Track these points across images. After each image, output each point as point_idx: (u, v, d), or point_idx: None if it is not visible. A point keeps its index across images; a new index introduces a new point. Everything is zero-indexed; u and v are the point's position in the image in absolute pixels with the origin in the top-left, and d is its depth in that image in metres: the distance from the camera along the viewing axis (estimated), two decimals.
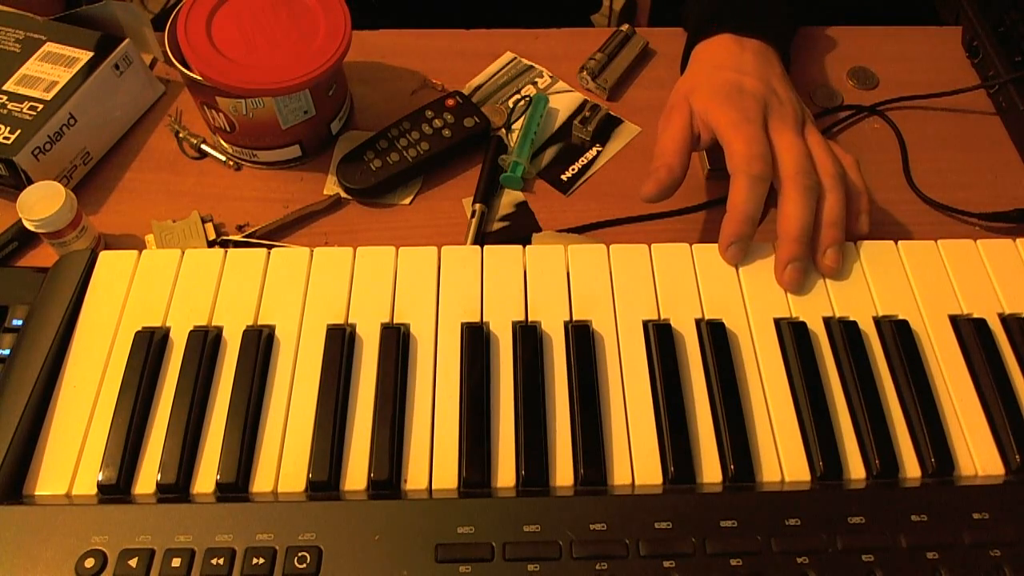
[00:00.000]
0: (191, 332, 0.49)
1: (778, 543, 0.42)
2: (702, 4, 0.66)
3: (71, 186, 0.63)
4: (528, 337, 0.49)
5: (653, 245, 0.54)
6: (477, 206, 0.63)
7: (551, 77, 0.73)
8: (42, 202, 0.56)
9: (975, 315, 0.52)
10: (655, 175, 0.55)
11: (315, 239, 0.62)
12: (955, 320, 0.52)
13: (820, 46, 0.75)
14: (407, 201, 0.65)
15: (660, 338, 0.49)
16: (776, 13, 0.65)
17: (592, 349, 0.49)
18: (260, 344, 0.49)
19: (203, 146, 0.67)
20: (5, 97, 0.62)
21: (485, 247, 0.54)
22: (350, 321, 0.51)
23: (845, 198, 0.54)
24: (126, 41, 0.66)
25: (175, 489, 0.44)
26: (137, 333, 0.49)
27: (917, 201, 0.65)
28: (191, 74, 0.59)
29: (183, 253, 0.53)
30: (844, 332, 0.50)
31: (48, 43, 0.65)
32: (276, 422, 0.47)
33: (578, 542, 0.41)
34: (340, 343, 0.49)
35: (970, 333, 0.50)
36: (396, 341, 0.49)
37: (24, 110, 0.61)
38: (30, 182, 0.59)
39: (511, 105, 0.70)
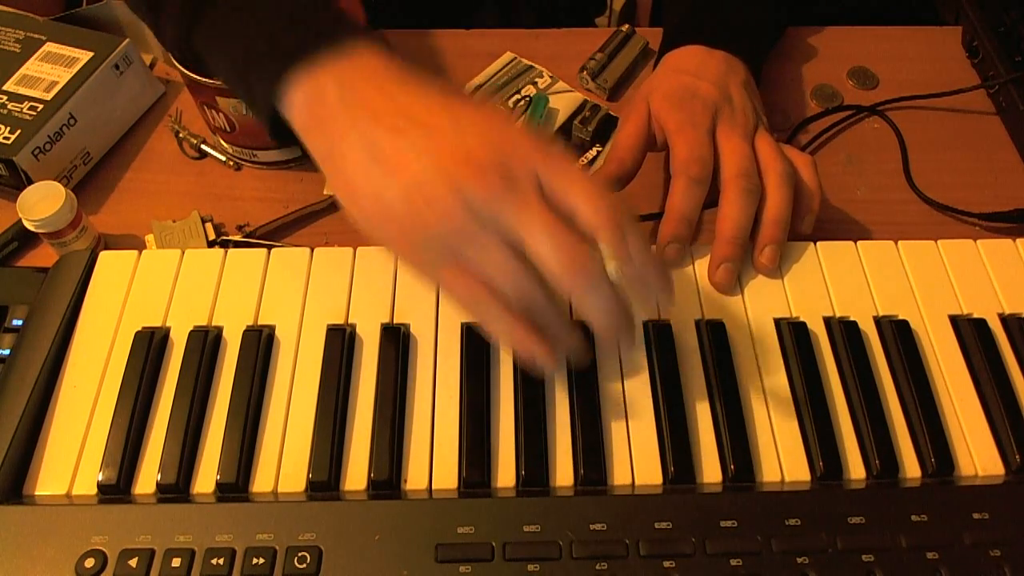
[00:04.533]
0: (191, 332, 0.49)
1: (778, 543, 0.42)
2: (679, 16, 0.68)
3: (71, 186, 0.63)
4: None
5: (653, 246, 0.54)
6: None
7: (551, 77, 0.73)
8: (42, 202, 0.56)
9: (975, 315, 0.52)
10: (604, 168, 0.58)
11: (315, 239, 0.62)
12: (955, 320, 0.52)
13: (820, 46, 0.75)
14: None
15: (660, 338, 0.49)
16: (749, 29, 0.66)
17: (592, 349, 0.49)
18: (260, 344, 0.49)
19: (203, 146, 0.67)
20: (5, 97, 0.62)
21: None
22: (350, 321, 0.51)
23: (790, 198, 0.54)
24: (126, 41, 0.66)
25: (175, 489, 0.44)
26: (137, 333, 0.49)
27: (917, 201, 0.65)
28: (191, 74, 0.59)
29: (183, 253, 0.53)
30: (844, 332, 0.50)
31: (48, 43, 0.65)
32: (276, 422, 0.47)
33: (578, 542, 0.41)
34: (340, 343, 0.49)
35: (970, 333, 0.50)
36: (396, 341, 0.49)
37: (24, 110, 0.61)
38: (30, 182, 0.59)
39: (511, 105, 0.70)
